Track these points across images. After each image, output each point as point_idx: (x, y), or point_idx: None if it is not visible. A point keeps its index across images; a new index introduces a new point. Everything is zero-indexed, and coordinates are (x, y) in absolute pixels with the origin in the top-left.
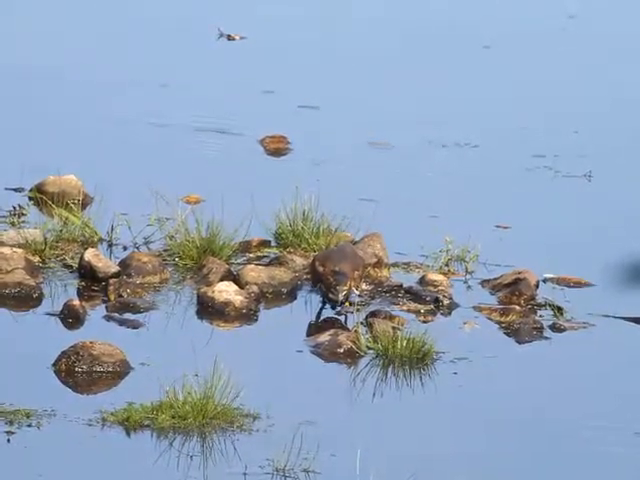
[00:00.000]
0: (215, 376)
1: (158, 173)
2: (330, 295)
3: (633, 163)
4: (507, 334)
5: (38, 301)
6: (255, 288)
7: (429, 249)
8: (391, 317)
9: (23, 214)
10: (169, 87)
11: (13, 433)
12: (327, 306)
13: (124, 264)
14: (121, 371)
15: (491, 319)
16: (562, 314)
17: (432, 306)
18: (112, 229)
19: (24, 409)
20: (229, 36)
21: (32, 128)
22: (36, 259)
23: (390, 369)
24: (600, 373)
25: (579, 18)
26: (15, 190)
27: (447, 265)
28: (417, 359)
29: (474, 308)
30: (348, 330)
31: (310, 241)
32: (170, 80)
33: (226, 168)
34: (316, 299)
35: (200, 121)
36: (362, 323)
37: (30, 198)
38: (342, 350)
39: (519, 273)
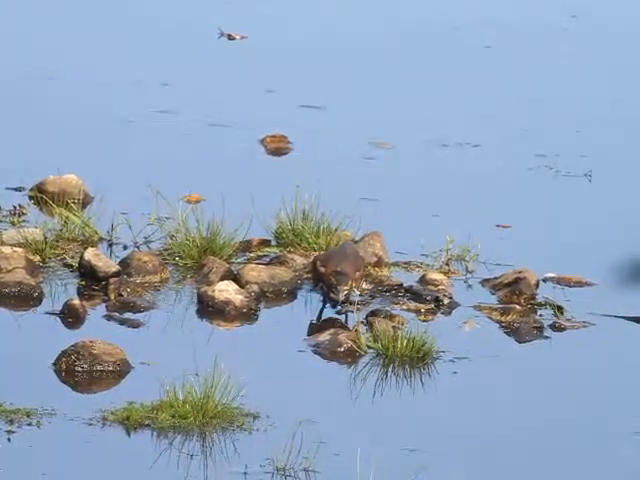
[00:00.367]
0: (215, 375)
1: (158, 172)
2: (331, 295)
3: (633, 163)
4: (507, 333)
5: (38, 300)
6: (255, 287)
7: (429, 248)
8: (391, 316)
9: (23, 213)
10: (170, 86)
11: (13, 432)
12: (328, 306)
13: (124, 263)
14: (121, 370)
15: (491, 318)
16: (562, 313)
17: (432, 305)
18: (112, 228)
19: (24, 408)
20: (229, 35)
21: (32, 127)
22: (36, 258)
23: (390, 368)
24: (600, 373)
25: (581, 18)
26: (15, 189)
27: (447, 264)
28: (417, 358)
29: (474, 307)
30: (348, 329)
31: (310, 240)
32: (171, 79)
33: (227, 167)
34: (316, 298)
35: (201, 120)
36: (362, 322)
37: (30, 197)
38: (342, 349)
39: (519, 272)
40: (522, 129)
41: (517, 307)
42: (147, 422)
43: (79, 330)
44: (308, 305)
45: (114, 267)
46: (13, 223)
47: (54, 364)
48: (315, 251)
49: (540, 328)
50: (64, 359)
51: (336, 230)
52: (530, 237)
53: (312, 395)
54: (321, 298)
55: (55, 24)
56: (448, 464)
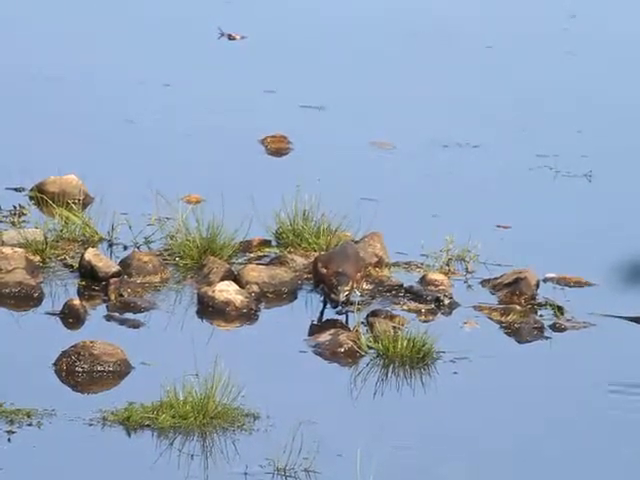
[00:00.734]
0: (216, 376)
1: (159, 172)
2: (332, 296)
3: (633, 163)
4: (507, 334)
5: (38, 301)
6: (255, 288)
7: (430, 249)
8: (392, 317)
9: (24, 214)
10: (171, 87)
11: (14, 432)
12: (328, 306)
13: (125, 264)
14: (122, 371)
15: (491, 319)
16: (562, 314)
17: (433, 306)
18: (113, 229)
19: (25, 409)
20: (230, 36)
21: (33, 127)
22: (37, 259)
23: (390, 369)
24: (600, 373)
25: (581, 18)
26: (16, 190)
27: (448, 265)
28: (417, 359)
29: (474, 308)
30: (349, 330)
31: (311, 241)
32: (172, 80)
33: (227, 168)
34: (317, 299)
35: (201, 120)
36: (363, 323)
37: (31, 198)
38: (343, 350)
39: (519, 273)
40: (522, 129)
41: (517, 307)
42: (147, 422)
43: (79, 330)
44: (308, 305)
45: (114, 267)
46: (13, 223)
47: (54, 364)
48: (315, 251)
49: (540, 328)
50: (64, 359)
51: (336, 230)
52: (530, 237)
53: (312, 395)
54: (321, 299)
55: (55, 24)
56: (448, 464)
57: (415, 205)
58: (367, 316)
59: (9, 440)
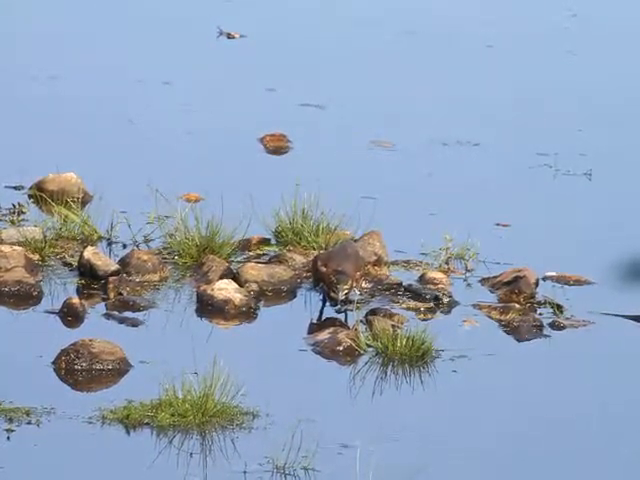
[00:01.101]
0: (215, 374)
1: (158, 171)
2: (331, 294)
3: (633, 162)
4: (507, 332)
5: (38, 299)
6: (255, 286)
7: (429, 247)
8: (391, 315)
9: (23, 212)
10: (170, 85)
11: (13, 431)
12: (328, 305)
13: (124, 262)
14: (121, 369)
15: (491, 317)
16: (562, 312)
17: (432, 304)
18: (112, 227)
19: (24, 407)
20: (229, 34)
21: (32, 126)
22: (36, 257)
23: (390, 367)
24: (600, 371)
25: (582, 17)
26: (15, 188)
27: (447, 263)
28: (417, 357)
29: (474, 306)
30: (348, 328)
31: (310, 239)
32: (171, 78)
33: (226, 166)
34: (316, 297)
35: (200, 119)
36: (362, 321)
37: (30, 196)
38: (342, 348)
39: (519, 271)
40: (522, 128)
41: (517, 306)
42: (146, 421)
43: (78, 329)
44: (307, 304)
45: (113, 266)
46: (12, 222)
47: (53, 363)
48: (314, 250)
49: (539, 327)
50: (63, 358)
51: (335, 229)
52: (530, 236)
53: (311, 394)
54: (321, 297)
55: (55, 24)
56: (448, 463)
57: (414, 203)
58: (366, 314)
59: (8, 438)
